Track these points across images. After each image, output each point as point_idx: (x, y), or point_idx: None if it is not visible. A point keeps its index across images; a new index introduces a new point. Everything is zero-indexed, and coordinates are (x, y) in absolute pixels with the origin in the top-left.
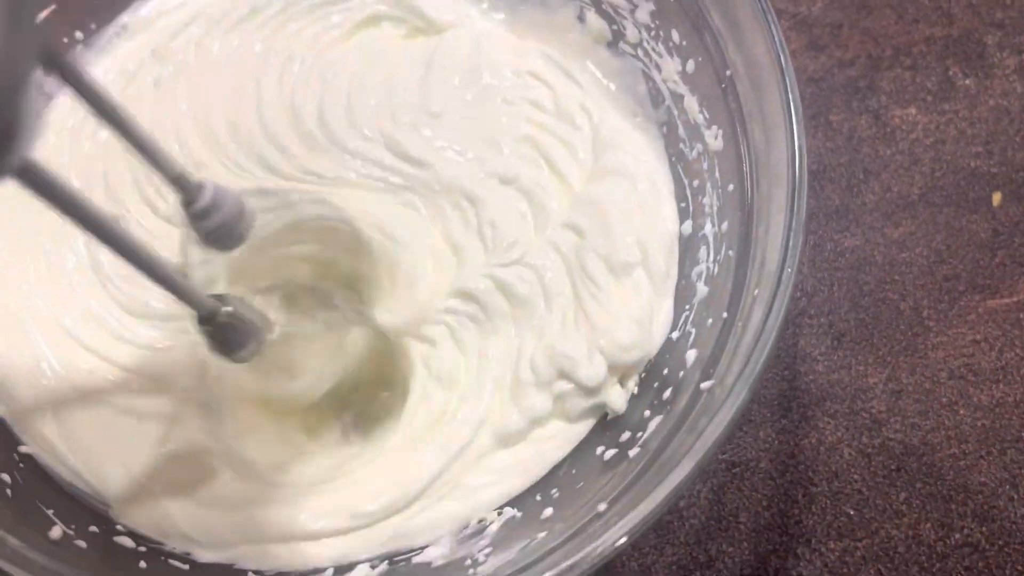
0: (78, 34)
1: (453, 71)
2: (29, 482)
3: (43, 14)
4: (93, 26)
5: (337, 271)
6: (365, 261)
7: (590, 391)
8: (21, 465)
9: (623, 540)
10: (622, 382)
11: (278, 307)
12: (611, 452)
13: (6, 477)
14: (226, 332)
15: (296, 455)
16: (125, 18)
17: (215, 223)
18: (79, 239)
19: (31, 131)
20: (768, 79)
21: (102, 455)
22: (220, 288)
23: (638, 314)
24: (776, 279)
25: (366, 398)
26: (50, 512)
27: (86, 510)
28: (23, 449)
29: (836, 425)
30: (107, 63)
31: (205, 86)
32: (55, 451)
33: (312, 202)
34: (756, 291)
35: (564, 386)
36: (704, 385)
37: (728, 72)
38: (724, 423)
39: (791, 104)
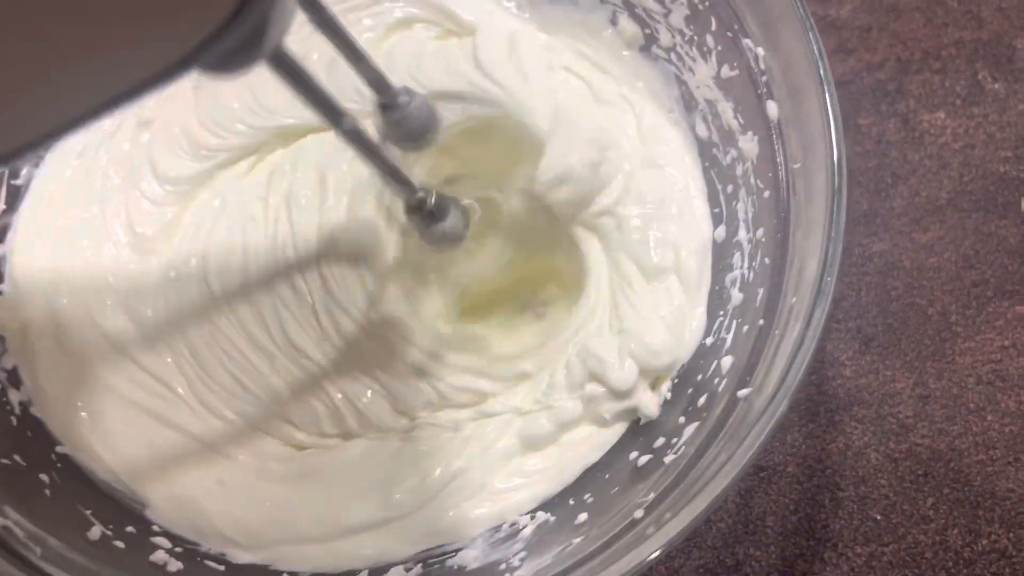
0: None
1: (499, 69)
2: (67, 482)
3: None
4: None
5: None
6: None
7: (621, 395)
8: (59, 465)
9: (657, 553)
10: (654, 387)
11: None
12: (645, 458)
13: (44, 477)
14: (432, 220)
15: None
16: None
17: (410, 124)
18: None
19: (284, 21)
20: (806, 85)
21: (140, 458)
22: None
23: (670, 319)
24: (816, 288)
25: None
26: (88, 512)
27: (123, 511)
28: (60, 449)
29: (863, 430)
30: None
31: (251, 87)
32: (92, 452)
33: (482, 103)
34: (793, 299)
35: (595, 389)
36: (741, 393)
37: (764, 78)
38: (764, 433)
39: (830, 112)
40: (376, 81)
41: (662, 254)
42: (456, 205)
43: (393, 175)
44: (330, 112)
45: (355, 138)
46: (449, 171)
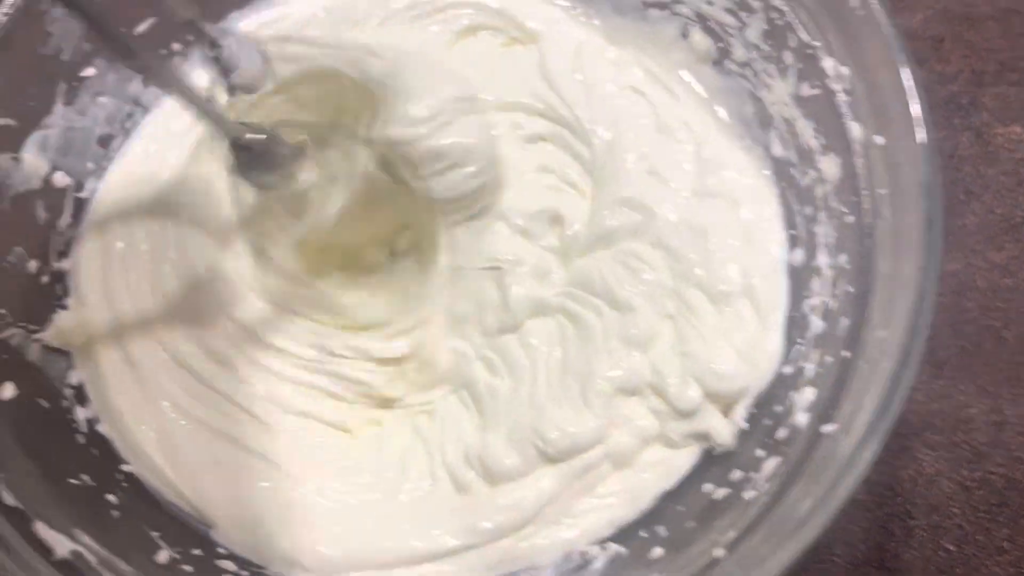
0: (176, 46)
1: (565, 84)
2: (133, 503)
3: (143, 26)
4: (191, 38)
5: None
6: (368, 92)
7: (683, 414)
8: (125, 485)
9: None
10: (726, 413)
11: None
12: (723, 492)
13: (112, 497)
14: (257, 157)
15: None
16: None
17: (231, 64)
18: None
19: None
20: (894, 108)
21: (204, 477)
22: None
23: (740, 344)
24: (911, 323)
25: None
26: (155, 535)
27: (189, 532)
28: (125, 468)
29: (936, 457)
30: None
31: (324, 91)
32: (158, 471)
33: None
34: (883, 333)
35: (659, 404)
36: (826, 429)
37: (848, 98)
38: (856, 479)
39: (923, 138)
40: (190, 22)
41: (728, 279)
42: (283, 144)
43: (207, 113)
44: (119, 48)
45: (154, 75)
46: (288, 116)
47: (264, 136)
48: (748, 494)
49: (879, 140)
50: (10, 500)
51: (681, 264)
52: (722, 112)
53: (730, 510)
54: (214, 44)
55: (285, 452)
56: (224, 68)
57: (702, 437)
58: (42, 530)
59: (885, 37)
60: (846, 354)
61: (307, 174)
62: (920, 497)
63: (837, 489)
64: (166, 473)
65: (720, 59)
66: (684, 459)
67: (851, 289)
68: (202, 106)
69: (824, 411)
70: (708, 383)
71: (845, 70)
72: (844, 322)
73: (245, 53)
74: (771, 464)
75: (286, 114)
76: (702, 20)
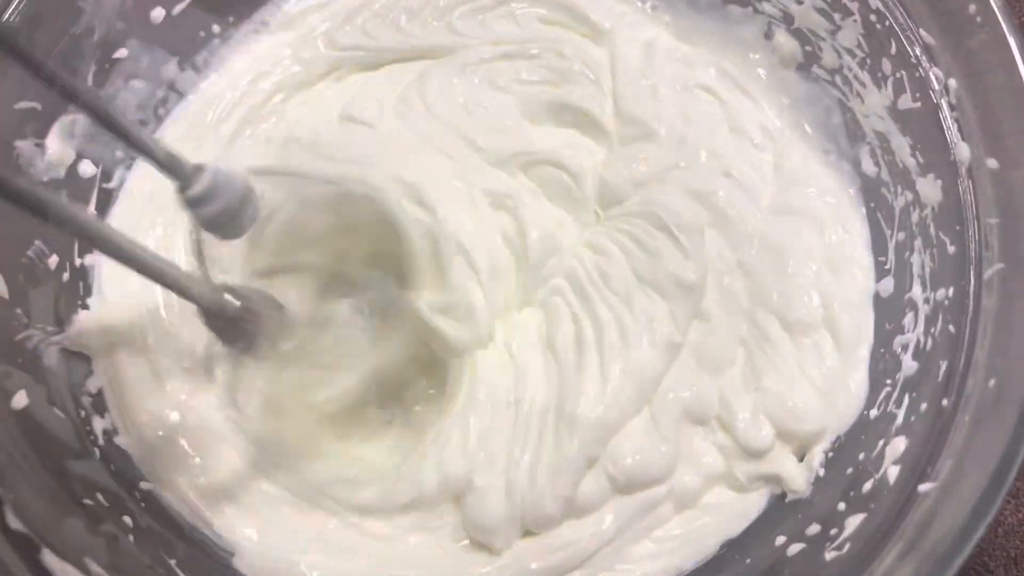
0: (215, 27)
1: (632, 87)
2: (150, 526)
3: (182, 4)
4: (231, 19)
5: (365, 250)
6: (395, 239)
7: (753, 453)
8: (143, 504)
9: None
10: (801, 457)
11: (310, 294)
12: (797, 547)
13: (128, 520)
14: (236, 326)
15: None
16: (265, 15)
17: (215, 210)
18: None
19: None
20: (1013, 126)
21: (230, 500)
22: (236, 274)
23: (819, 381)
24: None
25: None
26: (172, 562)
27: (209, 559)
28: (144, 486)
29: (1017, 505)
30: (244, 59)
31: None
32: (179, 490)
33: (339, 181)
34: (992, 382)
35: (725, 440)
36: (923, 488)
37: (954, 114)
38: (971, 551)
39: None
40: (165, 160)
41: (808, 307)
42: (264, 309)
43: (176, 287)
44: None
45: (111, 249)
46: (289, 259)
47: (240, 303)
48: (830, 554)
49: (992, 163)
50: (16, 525)
51: (758, 285)
52: (804, 121)
53: (808, 570)
54: (187, 182)
55: (318, 478)
56: (204, 212)
57: (772, 481)
58: (49, 559)
59: (1007, 48)
60: (944, 402)
61: (290, 343)
62: (999, 548)
63: (949, 563)
64: (187, 493)
65: (807, 64)
66: (751, 504)
67: (952, 329)
68: (163, 276)
69: (918, 465)
70: (782, 421)
71: (953, 83)
72: (942, 365)
73: (223, 189)
74: (855, 521)
75: (287, 255)
76: (788, 21)
